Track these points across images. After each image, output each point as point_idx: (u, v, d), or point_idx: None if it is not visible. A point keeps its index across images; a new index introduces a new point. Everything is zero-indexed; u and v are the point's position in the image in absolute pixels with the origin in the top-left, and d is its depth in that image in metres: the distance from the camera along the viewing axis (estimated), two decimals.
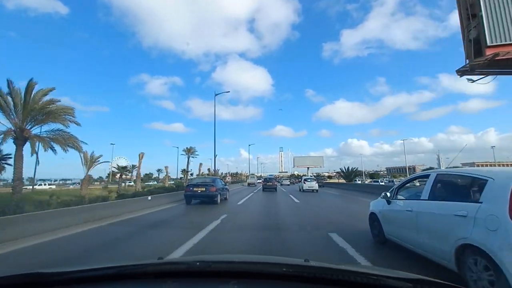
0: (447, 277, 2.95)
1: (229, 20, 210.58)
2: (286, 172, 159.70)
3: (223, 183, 14.18)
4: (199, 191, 11.42)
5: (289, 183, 40.34)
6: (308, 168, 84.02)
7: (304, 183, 21.65)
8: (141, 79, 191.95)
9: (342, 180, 53.53)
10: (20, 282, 1.09)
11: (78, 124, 11.74)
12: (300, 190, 22.05)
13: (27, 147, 9.51)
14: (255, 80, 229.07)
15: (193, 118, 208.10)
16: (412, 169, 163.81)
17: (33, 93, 9.54)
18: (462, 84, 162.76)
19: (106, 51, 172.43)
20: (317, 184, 21.20)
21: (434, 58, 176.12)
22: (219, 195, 11.75)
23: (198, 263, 1.16)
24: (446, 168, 5.66)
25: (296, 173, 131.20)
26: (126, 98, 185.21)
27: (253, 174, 57.19)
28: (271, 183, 25.11)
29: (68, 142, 10.80)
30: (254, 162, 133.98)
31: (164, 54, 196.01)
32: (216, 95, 24.48)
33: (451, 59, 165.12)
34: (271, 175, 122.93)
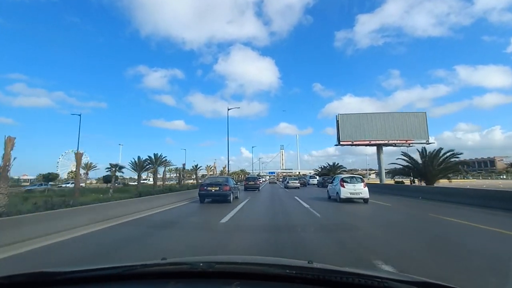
0: (452, 280, 3.19)
1: (235, 2, 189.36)
2: (291, 170, 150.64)
3: (234, 182, 15.93)
4: (213, 190, 12.69)
5: (298, 185, 29.45)
6: (380, 145, 39.74)
7: (343, 185, 12.76)
8: (139, 71, 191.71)
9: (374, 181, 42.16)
10: (24, 281, 1.13)
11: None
12: (329, 197, 14.60)
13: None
14: (261, 72, 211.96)
15: (194, 115, 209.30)
16: (490, 162, 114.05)
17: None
18: (481, 76, 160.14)
19: (101, 39, 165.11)
20: (366, 188, 12.68)
21: (454, 48, 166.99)
22: (231, 194, 13.14)
23: (201, 264, 1.20)
24: None
25: (301, 171, 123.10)
26: (125, 92, 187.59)
27: (252, 174, 55.59)
28: (253, 183, 25.53)
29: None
30: (255, 161, 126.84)
31: (163, 44, 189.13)
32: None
33: (472, 49, 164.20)
34: (272, 172, 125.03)
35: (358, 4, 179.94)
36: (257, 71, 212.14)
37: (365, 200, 12.28)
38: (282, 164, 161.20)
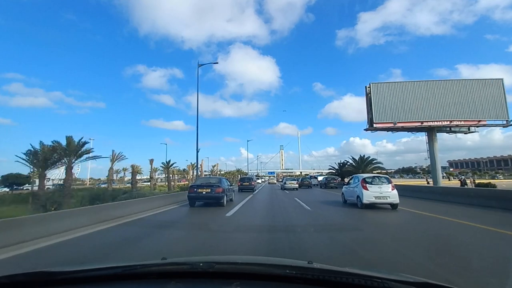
0: (452, 280, 3.13)
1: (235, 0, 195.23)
2: (291, 170, 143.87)
3: (229, 183, 15.27)
4: (204, 193, 12.17)
5: (297, 186, 28.22)
6: (434, 128, 26.96)
7: (365, 187, 11.02)
8: (138, 71, 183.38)
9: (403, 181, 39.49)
10: (26, 281, 1.15)
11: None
12: (345, 201, 13.14)
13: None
14: (261, 71, 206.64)
15: (194, 115, 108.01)
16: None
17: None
18: (483, 75, 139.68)
19: (98, 37, 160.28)
20: (395, 191, 10.96)
21: (456, 47, 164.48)
22: (225, 197, 12.75)
23: (201, 264, 1.23)
24: None
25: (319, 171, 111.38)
26: (123, 92, 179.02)
27: (250, 174, 54.79)
28: (247, 183, 25.31)
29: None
30: (255, 161, 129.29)
31: (161, 43, 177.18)
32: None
33: (475, 48, 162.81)
34: (271, 172, 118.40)
35: (360, 1, 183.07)
36: (257, 70, 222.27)
37: (394, 206, 10.91)
38: (282, 165, 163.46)
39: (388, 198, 10.71)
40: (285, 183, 28.98)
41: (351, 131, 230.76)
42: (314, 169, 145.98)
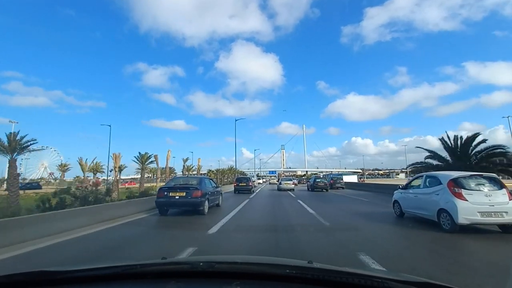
0: (450, 280, 3.10)
1: None
2: (294, 169, 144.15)
3: (213, 184, 12.53)
4: (177, 197, 9.91)
5: (293, 186, 28.96)
6: None
7: (460, 195, 6.69)
8: (138, 69, 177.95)
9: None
10: (25, 280, 1.18)
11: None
12: (401, 214, 9.27)
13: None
14: (264, 69, 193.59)
15: (195, 115, 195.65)
16: None
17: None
18: (491, 73, 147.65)
19: (98, 34, 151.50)
20: None
21: (464, 44, 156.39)
22: (206, 202, 10.48)
23: (201, 264, 1.26)
24: None
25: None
26: (124, 91, 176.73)
27: (244, 173, 53.13)
28: (244, 184, 24.14)
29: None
30: (251, 159, 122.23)
31: (162, 40, 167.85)
32: None
33: (483, 44, 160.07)
34: (273, 172, 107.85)
35: None
36: (260, 68, 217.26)
37: (510, 229, 7.49)
38: (283, 164, 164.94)
39: (504, 214, 6.59)
40: (280, 183, 30.23)
41: (353, 131, 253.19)
42: (317, 168, 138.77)
